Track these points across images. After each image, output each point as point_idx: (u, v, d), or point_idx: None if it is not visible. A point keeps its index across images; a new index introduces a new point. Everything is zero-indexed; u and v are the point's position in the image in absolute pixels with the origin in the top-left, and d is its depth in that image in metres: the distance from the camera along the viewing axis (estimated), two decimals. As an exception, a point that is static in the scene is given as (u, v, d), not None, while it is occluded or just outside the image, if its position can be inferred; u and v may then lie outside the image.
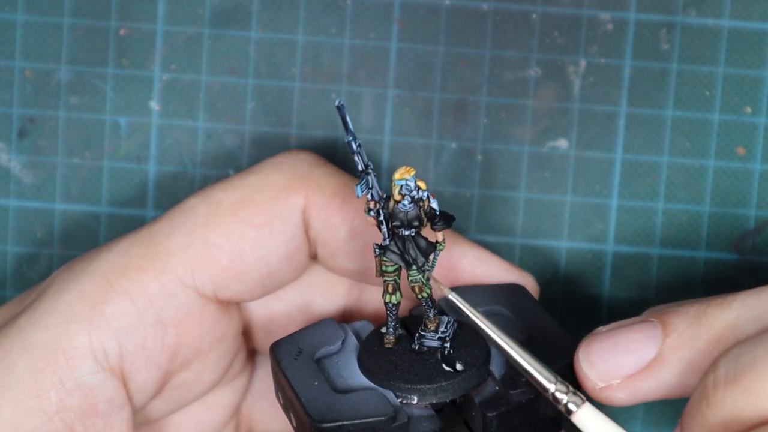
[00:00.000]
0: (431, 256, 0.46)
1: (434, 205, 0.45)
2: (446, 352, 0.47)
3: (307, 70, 0.55)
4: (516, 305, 0.49)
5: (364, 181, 0.46)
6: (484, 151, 0.55)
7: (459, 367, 0.46)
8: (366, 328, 0.49)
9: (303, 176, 0.50)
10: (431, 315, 0.47)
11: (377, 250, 0.46)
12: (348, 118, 0.45)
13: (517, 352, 0.44)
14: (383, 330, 0.47)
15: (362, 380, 0.47)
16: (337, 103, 0.45)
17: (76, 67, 0.55)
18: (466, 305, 0.45)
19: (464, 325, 0.48)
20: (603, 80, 0.55)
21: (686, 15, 0.54)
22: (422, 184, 0.45)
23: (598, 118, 0.55)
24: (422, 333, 0.47)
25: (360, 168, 0.45)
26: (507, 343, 0.45)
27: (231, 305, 0.50)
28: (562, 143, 0.55)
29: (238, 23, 0.55)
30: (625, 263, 0.56)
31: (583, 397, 0.44)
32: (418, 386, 0.46)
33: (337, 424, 0.44)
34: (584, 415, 0.44)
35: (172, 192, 0.55)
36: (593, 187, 0.55)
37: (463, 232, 0.55)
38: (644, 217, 0.56)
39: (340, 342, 0.48)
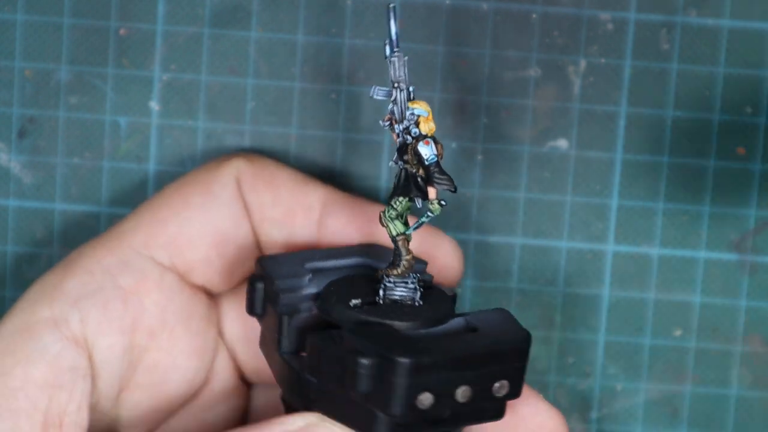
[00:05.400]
0: (407, 212, 0.45)
1: (423, 150, 0.44)
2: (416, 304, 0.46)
3: (307, 70, 0.55)
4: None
5: (387, 91, 0.45)
6: (484, 151, 0.55)
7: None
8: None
9: (236, 156, 0.52)
10: (401, 260, 0.46)
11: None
12: (394, 22, 0.44)
13: None
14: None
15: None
16: (390, 4, 0.44)
17: (76, 67, 0.55)
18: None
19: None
20: (603, 80, 0.55)
21: (686, 15, 0.54)
22: (424, 127, 0.44)
23: (598, 118, 0.55)
24: (390, 282, 0.46)
25: (390, 77, 0.45)
26: None
27: (198, 289, 0.51)
28: (562, 143, 0.55)
29: (238, 23, 0.55)
30: (625, 263, 0.56)
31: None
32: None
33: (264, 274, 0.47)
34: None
35: (172, 192, 0.56)
36: (593, 187, 0.55)
37: (463, 232, 0.55)
38: (644, 217, 0.56)
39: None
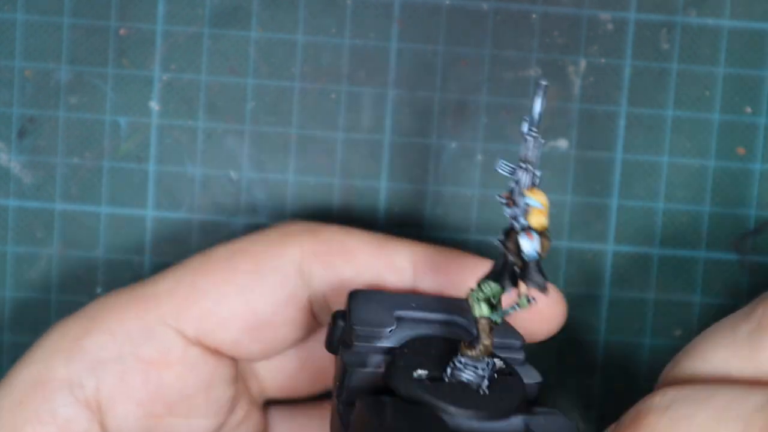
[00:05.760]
0: (499, 297, 0.43)
1: (524, 243, 0.42)
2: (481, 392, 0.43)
3: (307, 70, 0.55)
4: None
5: (514, 168, 0.43)
6: (484, 151, 0.55)
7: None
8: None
9: (299, 230, 0.49)
10: (479, 343, 0.44)
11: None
12: (541, 100, 0.42)
13: None
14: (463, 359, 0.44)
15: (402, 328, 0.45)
16: (542, 82, 0.42)
17: (76, 67, 0.55)
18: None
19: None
20: (603, 80, 0.55)
21: (686, 15, 0.55)
22: (533, 220, 0.42)
23: (598, 118, 0.55)
24: (460, 362, 0.44)
25: (520, 155, 0.42)
26: None
27: (224, 356, 0.49)
28: (562, 143, 0.55)
29: (238, 23, 0.55)
30: (625, 263, 0.56)
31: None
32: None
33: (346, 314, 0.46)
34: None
35: (172, 192, 0.56)
36: (593, 187, 0.55)
37: (463, 232, 0.55)
38: (644, 217, 0.56)
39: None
